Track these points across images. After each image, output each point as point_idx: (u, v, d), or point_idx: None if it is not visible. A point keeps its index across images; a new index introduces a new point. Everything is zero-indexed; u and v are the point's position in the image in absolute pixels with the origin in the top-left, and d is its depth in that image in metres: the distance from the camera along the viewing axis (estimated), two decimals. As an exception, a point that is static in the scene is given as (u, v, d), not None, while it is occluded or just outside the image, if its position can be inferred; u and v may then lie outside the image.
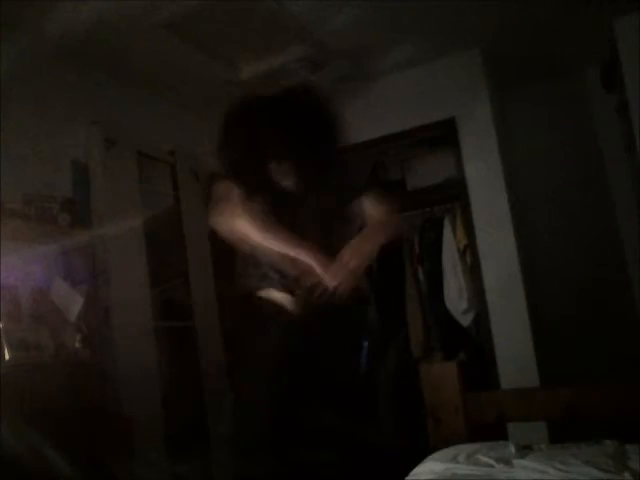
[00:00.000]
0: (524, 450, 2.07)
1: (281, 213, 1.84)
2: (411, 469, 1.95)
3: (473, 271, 3.57)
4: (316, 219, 1.89)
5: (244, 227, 1.82)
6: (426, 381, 2.49)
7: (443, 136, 3.72)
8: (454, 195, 3.71)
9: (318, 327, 1.84)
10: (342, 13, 2.96)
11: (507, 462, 1.91)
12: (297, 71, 3.43)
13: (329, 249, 1.82)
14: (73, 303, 2.73)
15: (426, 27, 3.23)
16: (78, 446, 2.25)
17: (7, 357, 2.42)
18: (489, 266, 3.46)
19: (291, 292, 1.87)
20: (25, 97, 2.81)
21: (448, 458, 2.07)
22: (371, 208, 2.00)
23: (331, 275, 1.77)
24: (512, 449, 2.09)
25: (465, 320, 3.63)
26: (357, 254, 1.84)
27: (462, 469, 1.90)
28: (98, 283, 2.93)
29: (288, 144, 1.81)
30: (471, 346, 3.65)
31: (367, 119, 3.76)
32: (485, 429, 2.42)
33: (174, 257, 3.57)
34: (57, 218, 2.77)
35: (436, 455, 2.15)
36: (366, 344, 1.97)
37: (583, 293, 3.76)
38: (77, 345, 2.72)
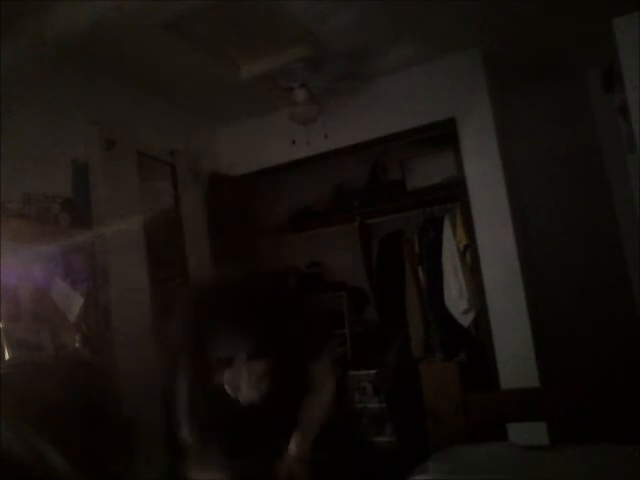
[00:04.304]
0: (524, 450, 2.07)
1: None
2: (412, 469, 1.96)
3: (473, 271, 3.57)
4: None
5: None
6: (426, 381, 2.49)
7: (443, 136, 3.72)
8: (454, 195, 3.71)
9: None
10: (342, 13, 2.96)
11: (508, 462, 1.92)
12: (297, 71, 3.42)
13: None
14: (73, 303, 2.73)
15: (426, 27, 3.22)
16: (78, 446, 2.25)
17: (7, 357, 2.42)
18: (489, 266, 3.45)
19: None
20: (25, 97, 2.80)
21: (449, 459, 2.07)
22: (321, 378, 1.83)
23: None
24: (512, 449, 2.09)
25: (465, 320, 3.63)
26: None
27: (463, 470, 1.91)
28: (98, 283, 2.93)
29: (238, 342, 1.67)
30: (471, 346, 3.65)
31: (367, 119, 3.76)
32: (485, 429, 2.42)
33: (174, 257, 3.57)
34: (57, 218, 2.77)
35: (437, 455, 2.16)
36: None
37: (583, 293, 3.76)
38: (77, 345, 2.72)
